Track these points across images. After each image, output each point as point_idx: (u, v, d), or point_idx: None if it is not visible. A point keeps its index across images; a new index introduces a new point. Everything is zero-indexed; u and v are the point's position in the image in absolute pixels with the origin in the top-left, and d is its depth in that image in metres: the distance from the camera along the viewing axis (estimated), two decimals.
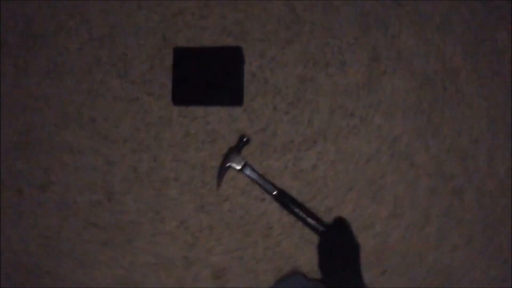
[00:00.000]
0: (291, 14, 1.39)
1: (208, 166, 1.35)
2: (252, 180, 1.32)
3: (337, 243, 1.25)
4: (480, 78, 1.33)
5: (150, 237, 1.34)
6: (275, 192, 1.30)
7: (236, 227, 1.33)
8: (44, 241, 1.35)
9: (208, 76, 1.37)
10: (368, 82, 1.35)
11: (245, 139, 1.34)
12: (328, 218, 1.29)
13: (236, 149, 1.33)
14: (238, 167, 1.33)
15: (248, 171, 1.32)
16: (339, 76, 1.36)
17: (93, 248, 1.34)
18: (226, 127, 1.37)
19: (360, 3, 1.38)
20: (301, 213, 1.29)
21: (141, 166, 1.37)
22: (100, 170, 1.37)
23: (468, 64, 1.34)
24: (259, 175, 1.32)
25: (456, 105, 1.32)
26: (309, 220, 1.28)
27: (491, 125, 1.31)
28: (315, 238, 1.28)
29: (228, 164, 1.32)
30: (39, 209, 1.37)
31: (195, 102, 1.38)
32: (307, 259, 1.30)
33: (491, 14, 1.35)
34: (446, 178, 1.30)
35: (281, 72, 1.38)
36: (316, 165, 1.34)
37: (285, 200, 1.30)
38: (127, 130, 1.39)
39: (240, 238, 1.32)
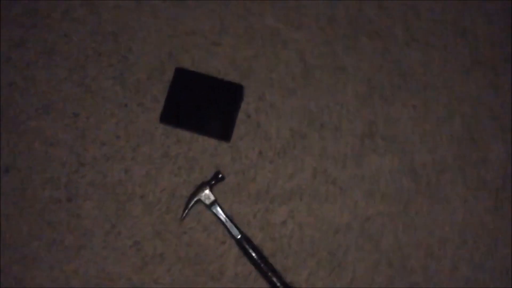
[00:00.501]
0: (301, 66, 1.38)
1: (178, 194, 1.32)
2: (218, 219, 1.29)
3: None
4: (464, 184, 1.33)
5: (100, 249, 1.29)
6: (239, 237, 1.28)
7: (189, 263, 1.29)
8: None
9: (202, 104, 1.34)
10: (357, 155, 1.34)
11: (220, 176, 1.31)
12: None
13: (209, 184, 1.30)
14: (207, 203, 1.30)
15: (215, 209, 1.30)
16: (331, 141, 1.35)
17: (39, 246, 1.28)
18: (207, 159, 1.34)
19: (370, 74, 1.37)
20: (262, 265, 1.26)
21: (110, 175, 1.32)
22: (69, 168, 1.32)
23: (457, 166, 1.34)
24: (227, 216, 1.29)
25: (434, 202, 1.32)
26: (269, 273, 1.26)
27: (463, 231, 1.31)
28: None
29: (197, 198, 1.29)
30: None
31: (182, 126, 1.34)
32: None
33: (492, 122, 1.36)
34: (407, 271, 1.30)
35: (276, 121, 1.36)
36: (285, 222, 1.32)
37: (247, 247, 1.27)
38: (107, 134, 1.34)
39: (189, 275, 1.28)
